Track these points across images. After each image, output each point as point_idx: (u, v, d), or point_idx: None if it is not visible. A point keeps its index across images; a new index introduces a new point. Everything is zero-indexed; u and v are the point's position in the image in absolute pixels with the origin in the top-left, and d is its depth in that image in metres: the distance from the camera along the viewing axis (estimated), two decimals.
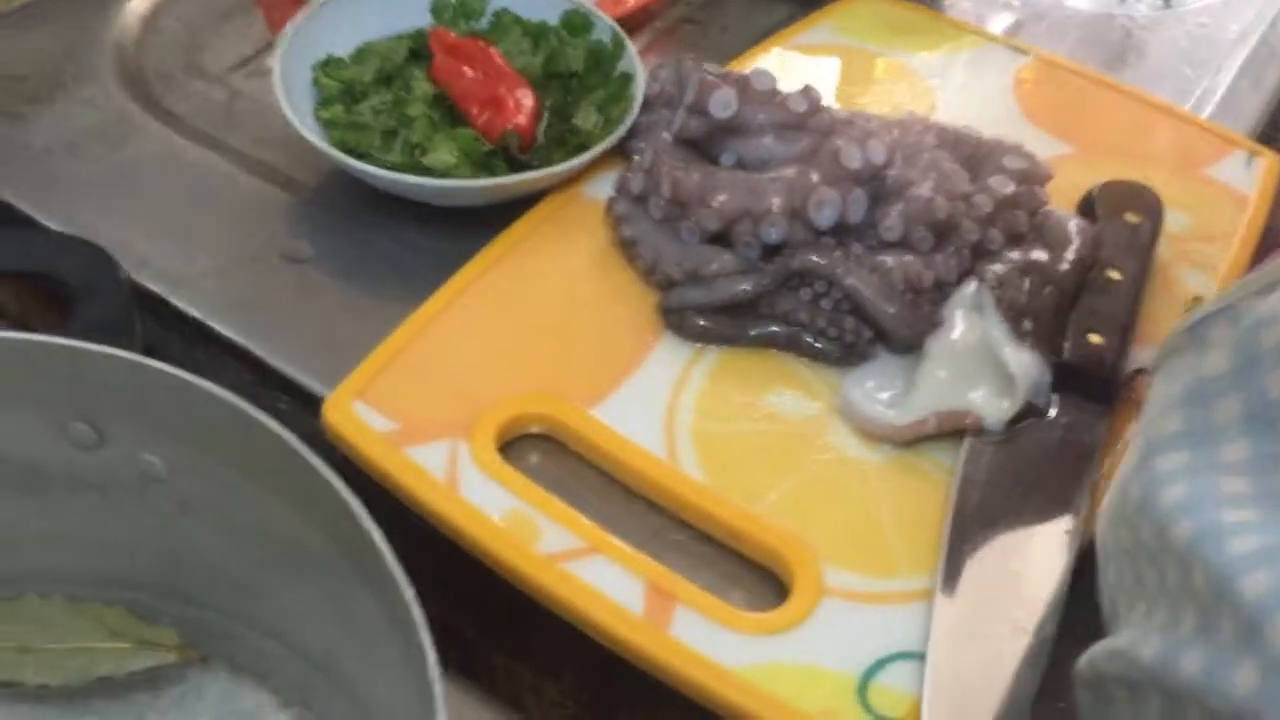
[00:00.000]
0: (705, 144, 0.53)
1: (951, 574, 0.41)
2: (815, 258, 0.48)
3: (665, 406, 0.46)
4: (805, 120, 0.51)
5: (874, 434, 0.45)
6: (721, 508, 0.43)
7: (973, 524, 0.42)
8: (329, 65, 0.56)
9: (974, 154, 0.51)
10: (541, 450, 0.46)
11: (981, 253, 0.48)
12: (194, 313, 0.49)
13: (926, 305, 0.47)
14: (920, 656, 0.39)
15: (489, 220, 0.52)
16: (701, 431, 0.45)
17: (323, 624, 0.33)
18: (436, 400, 0.45)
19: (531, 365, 0.47)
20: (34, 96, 0.58)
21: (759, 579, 0.43)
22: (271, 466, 0.29)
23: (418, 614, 0.27)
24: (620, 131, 0.54)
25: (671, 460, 0.44)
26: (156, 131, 0.57)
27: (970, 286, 0.48)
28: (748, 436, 0.45)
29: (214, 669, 0.36)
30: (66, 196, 0.53)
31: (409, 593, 0.27)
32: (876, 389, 0.46)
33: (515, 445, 0.45)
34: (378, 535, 0.27)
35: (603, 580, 0.41)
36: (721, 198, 0.49)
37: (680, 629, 0.40)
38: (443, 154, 0.53)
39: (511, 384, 0.46)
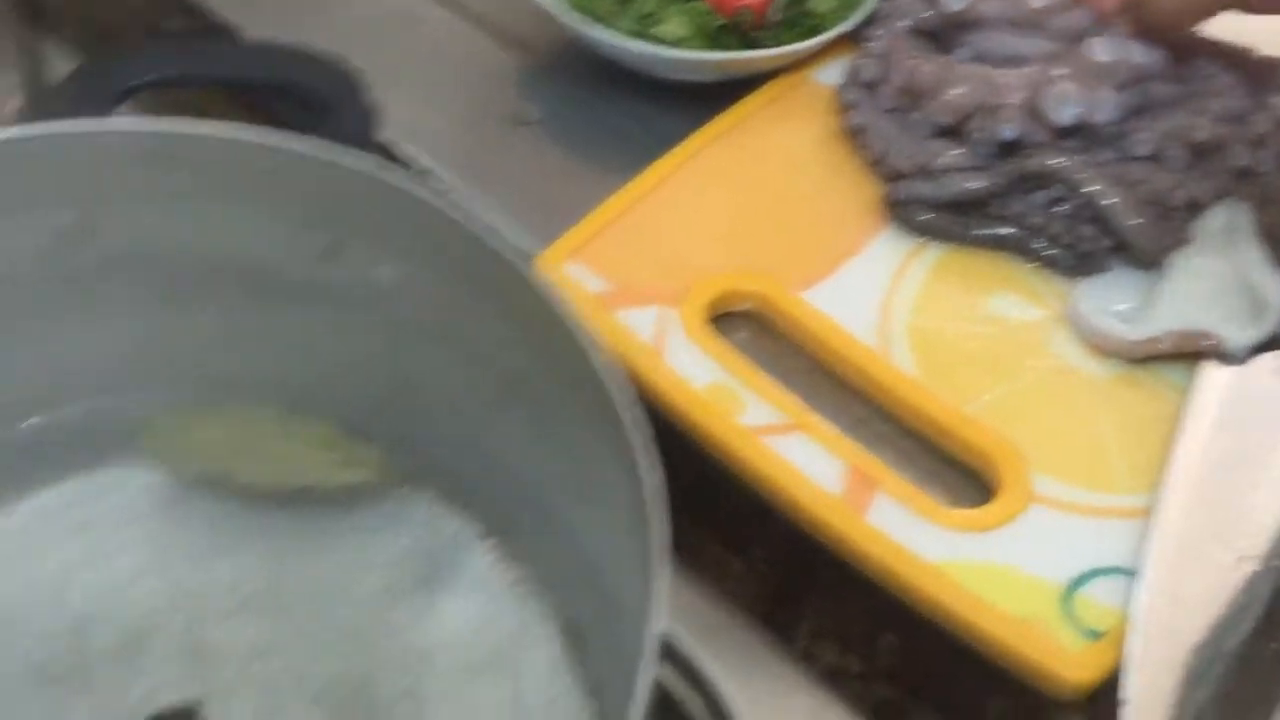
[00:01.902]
0: (942, 38, 0.50)
1: (1175, 496, 0.39)
2: (1056, 160, 0.45)
3: (881, 298, 0.45)
4: (1043, 18, 0.48)
5: (1104, 348, 0.43)
6: (932, 403, 0.42)
7: (1203, 449, 0.40)
8: None
9: (1254, 70, 0.48)
10: (749, 329, 0.45)
11: (1245, 174, 0.45)
12: (423, 162, 0.50)
13: (1176, 221, 0.44)
14: (1131, 574, 0.37)
15: (713, 98, 0.52)
16: (917, 326, 0.44)
17: (537, 458, 0.33)
18: (650, 267, 0.45)
19: (747, 242, 0.46)
20: None
21: (962, 480, 0.41)
22: (506, 294, 0.29)
23: (647, 462, 0.27)
24: (857, 18, 0.52)
25: (883, 351, 0.43)
26: None
27: (1226, 206, 0.45)
28: (965, 337, 0.44)
29: (419, 492, 0.37)
30: (311, 42, 0.54)
31: (641, 438, 0.27)
32: (1110, 302, 0.44)
33: (724, 320, 0.45)
34: (615, 377, 0.27)
35: (803, 458, 0.40)
36: (957, 90, 0.47)
37: (879, 516, 0.39)
38: (674, 26, 0.52)
39: (725, 259, 0.46)
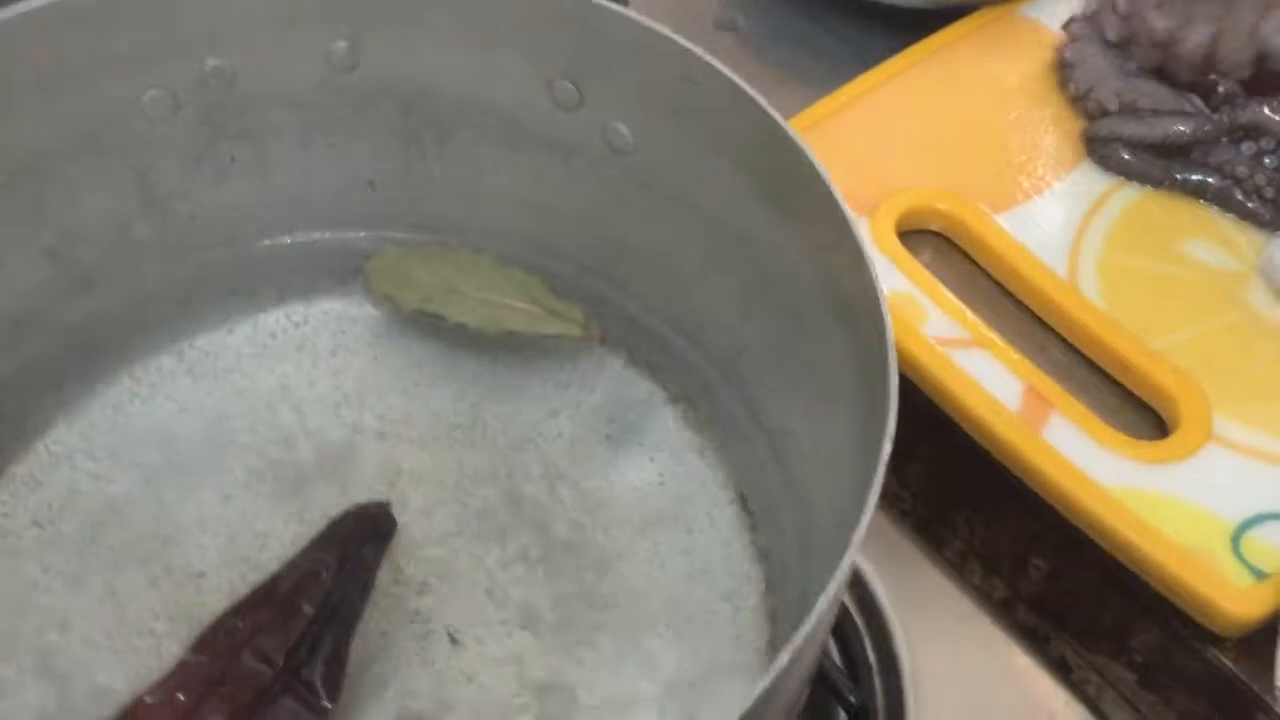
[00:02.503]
0: None
1: None
2: (1269, 111, 0.45)
3: (1075, 229, 0.45)
4: None
5: None
6: (1118, 336, 0.42)
7: None
8: None
9: None
10: (936, 248, 0.46)
11: None
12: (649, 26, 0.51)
13: None
14: None
15: (918, 24, 0.52)
16: (1108, 261, 0.44)
17: (742, 329, 0.34)
18: (845, 174, 0.45)
19: (942, 162, 0.47)
20: None
21: (1140, 417, 0.42)
22: (754, 154, 0.31)
23: (893, 367, 0.27)
24: None
25: (1072, 281, 0.43)
26: None
27: None
28: (1156, 277, 0.44)
29: (614, 354, 0.39)
30: None
31: (889, 335, 0.27)
32: None
33: (913, 237, 0.46)
34: (872, 265, 0.27)
35: (983, 373, 0.41)
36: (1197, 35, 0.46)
37: (1055, 435, 0.39)
38: None
39: (920, 176, 0.46)
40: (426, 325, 0.39)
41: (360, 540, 0.33)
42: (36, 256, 0.34)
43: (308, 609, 0.31)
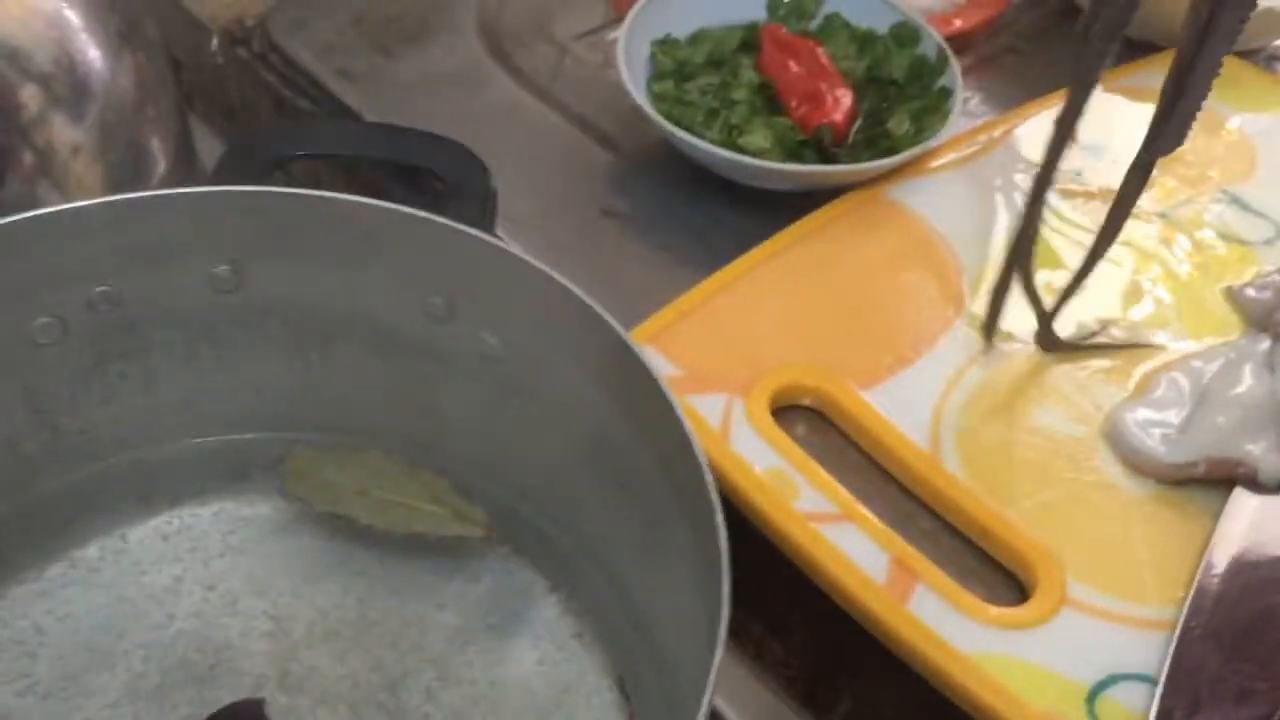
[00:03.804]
0: None
1: (1197, 613, 0.41)
2: None
3: (935, 403, 0.48)
4: None
5: (1140, 467, 0.46)
6: (976, 505, 0.44)
7: (1229, 571, 0.42)
8: (666, 44, 0.61)
9: None
10: (809, 422, 0.48)
11: None
12: (513, 249, 0.54)
13: None
14: (1153, 681, 0.39)
15: (790, 206, 0.55)
16: (966, 432, 0.47)
17: (611, 521, 0.36)
18: (720, 357, 0.48)
19: (813, 341, 0.50)
20: (406, 37, 0.65)
21: (1000, 580, 0.44)
22: (605, 364, 0.33)
23: (723, 544, 0.29)
24: (931, 142, 0.56)
25: (933, 453, 0.46)
26: (503, 83, 0.63)
27: (1264, 343, 0.47)
28: (1011, 445, 0.47)
29: (498, 543, 0.41)
30: (423, 128, 0.59)
31: (719, 520, 0.30)
32: (1150, 423, 0.46)
33: (785, 412, 0.48)
34: (703, 460, 0.30)
35: (851, 546, 0.43)
36: None
37: (919, 606, 0.41)
38: (758, 138, 0.57)
39: (791, 355, 0.49)
40: (316, 520, 0.40)
41: None
42: None
43: None
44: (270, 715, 0.36)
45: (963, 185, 0.57)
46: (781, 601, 0.46)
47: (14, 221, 0.33)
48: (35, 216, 0.34)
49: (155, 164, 0.45)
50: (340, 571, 0.40)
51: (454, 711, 0.37)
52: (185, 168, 0.46)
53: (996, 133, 0.59)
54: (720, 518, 0.29)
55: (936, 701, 0.41)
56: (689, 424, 0.31)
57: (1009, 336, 0.50)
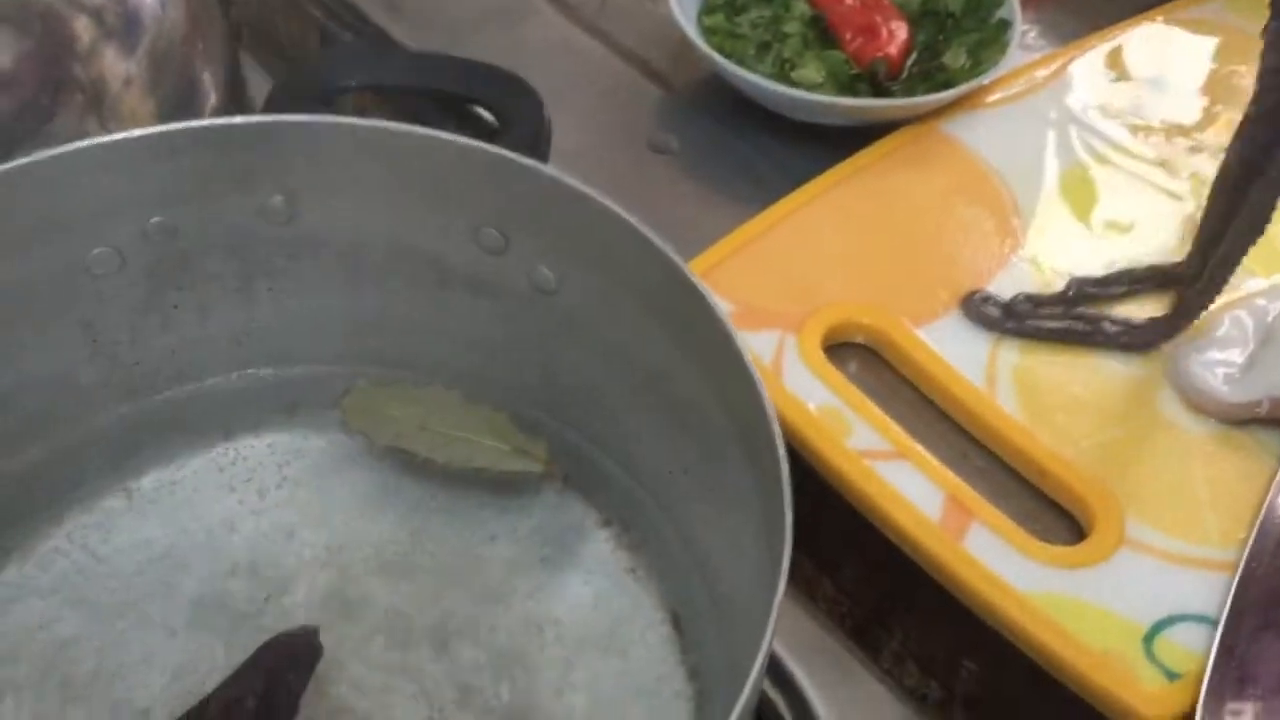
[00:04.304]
0: None
1: (1259, 554, 0.40)
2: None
3: (992, 340, 0.47)
4: None
5: (1202, 407, 0.45)
6: (1033, 444, 0.44)
7: None
8: None
9: None
10: (862, 360, 0.48)
11: None
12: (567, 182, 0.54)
13: None
14: (1213, 622, 0.39)
15: (842, 142, 0.54)
16: (1024, 371, 0.46)
17: (666, 456, 0.36)
18: (773, 293, 0.48)
19: (867, 277, 0.49)
20: None
21: (1057, 519, 0.43)
22: (662, 297, 0.33)
23: (785, 479, 0.29)
24: (987, 76, 0.54)
25: (989, 391, 0.45)
26: (550, 16, 0.62)
27: None
28: (1070, 384, 0.46)
29: (549, 480, 0.41)
30: None
31: (781, 454, 0.29)
32: (1213, 363, 0.45)
33: (838, 350, 0.48)
34: (764, 394, 0.30)
35: (905, 484, 0.42)
36: None
37: (974, 543, 0.41)
38: (811, 71, 0.56)
39: (844, 291, 0.48)
40: (370, 455, 0.40)
41: (285, 666, 0.34)
42: None
43: None
44: (323, 644, 0.36)
45: (1019, 120, 0.55)
46: (833, 540, 0.46)
47: (70, 151, 0.33)
48: (92, 146, 0.34)
49: (206, 97, 0.45)
50: (394, 505, 0.40)
51: (507, 643, 0.38)
52: (235, 101, 0.45)
53: (1054, 67, 0.58)
54: (783, 452, 0.29)
55: (988, 639, 0.41)
56: (750, 357, 0.30)
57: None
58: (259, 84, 0.50)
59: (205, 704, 0.33)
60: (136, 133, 0.34)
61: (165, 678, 0.36)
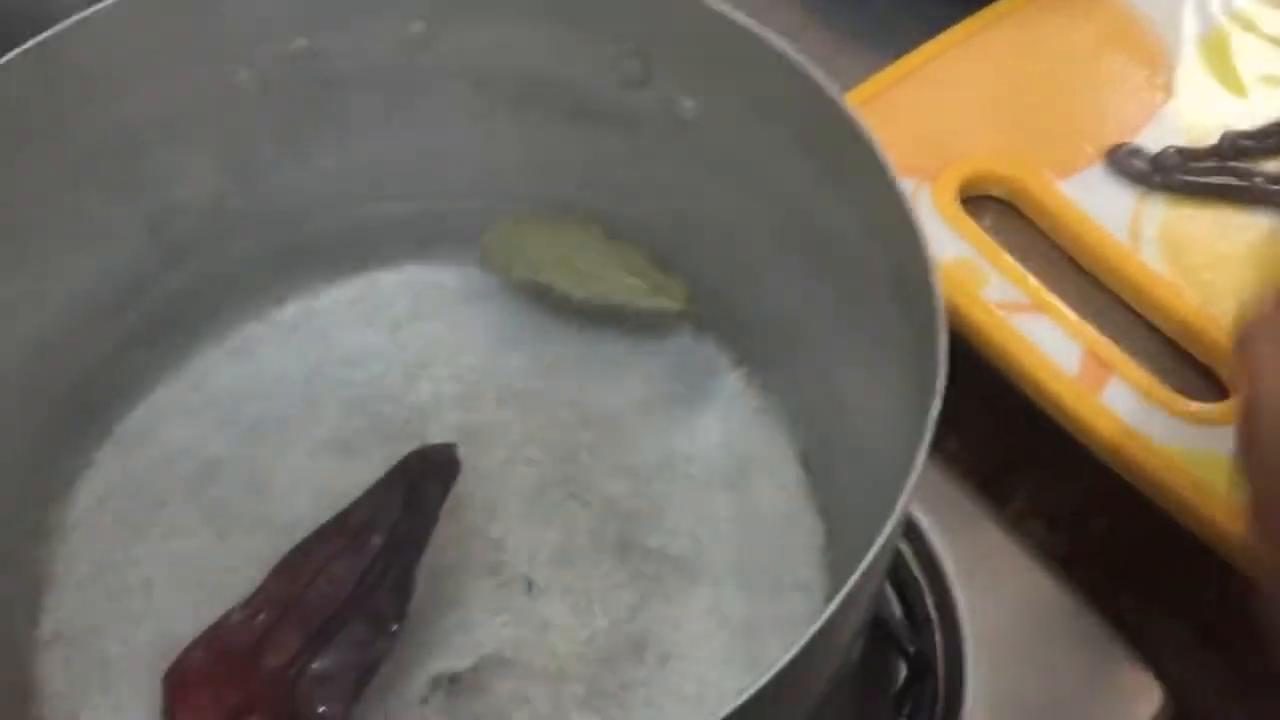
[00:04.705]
0: None
1: None
2: None
3: (1138, 195, 0.45)
4: None
5: None
6: (1177, 301, 0.43)
7: None
8: None
9: None
10: (1000, 213, 0.47)
11: None
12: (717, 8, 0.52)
13: None
14: None
15: None
16: (1172, 227, 0.45)
17: (805, 296, 0.35)
18: (910, 140, 0.47)
19: (1006, 128, 0.47)
20: None
21: (1197, 377, 0.42)
22: (811, 130, 0.32)
23: (941, 318, 0.28)
24: None
25: (1134, 247, 0.44)
26: None
27: None
28: (1218, 243, 0.44)
29: (682, 319, 0.40)
30: None
31: (938, 294, 0.28)
32: None
33: (975, 203, 0.46)
34: (920, 228, 0.29)
35: (1042, 337, 0.42)
36: None
37: (1113, 398, 0.40)
38: None
39: (984, 142, 0.47)
40: (502, 291, 0.41)
41: (425, 478, 0.35)
42: (138, 230, 0.37)
43: (376, 540, 0.34)
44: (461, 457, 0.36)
45: None
46: (962, 393, 0.45)
47: None
48: None
49: None
50: (527, 340, 0.40)
51: (637, 476, 0.38)
52: None
53: None
54: (939, 294, 0.28)
55: (1118, 494, 0.41)
56: (905, 190, 0.29)
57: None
58: None
59: (353, 508, 0.34)
60: None
61: (309, 495, 0.37)
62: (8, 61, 0.32)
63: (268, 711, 0.32)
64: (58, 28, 0.32)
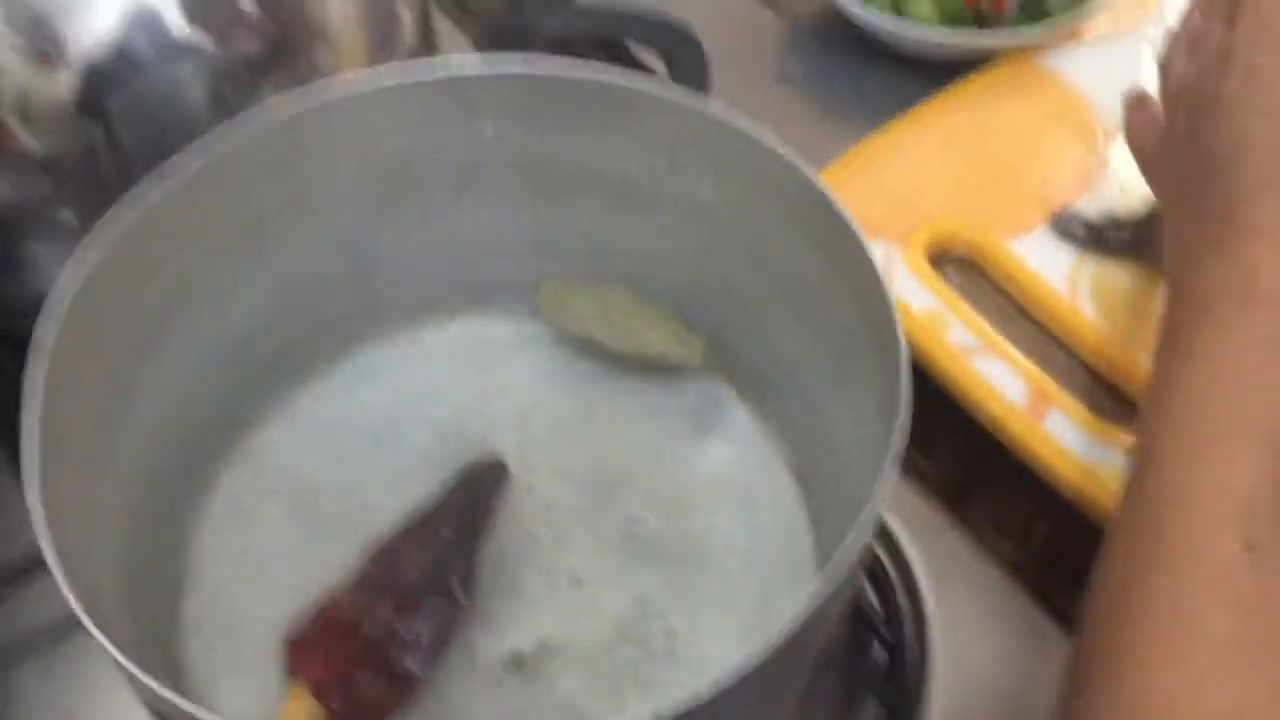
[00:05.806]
0: None
1: None
2: None
3: (1076, 254, 0.54)
4: None
5: None
6: (1107, 343, 0.51)
7: None
8: None
9: None
10: (962, 269, 0.55)
11: None
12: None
13: None
14: None
15: (949, 72, 0.61)
16: (1102, 282, 0.53)
17: (799, 342, 0.44)
18: (884, 207, 0.55)
19: (967, 195, 0.56)
20: None
21: (1121, 408, 0.50)
22: (802, 210, 0.40)
23: (905, 361, 0.36)
24: (1086, 12, 0.60)
25: (1071, 298, 0.53)
26: None
27: None
28: (1139, 296, 0.53)
29: (703, 367, 0.49)
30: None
31: (903, 342, 0.36)
32: None
33: (939, 259, 0.55)
34: (887, 288, 0.37)
35: (995, 375, 0.50)
36: None
37: (1053, 425, 0.49)
38: (924, 8, 0.62)
39: (948, 207, 0.56)
40: (548, 341, 0.49)
41: (481, 482, 0.44)
42: (265, 291, 0.45)
43: (446, 532, 0.42)
44: (515, 489, 0.45)
45: (1115, 55, 0.61)
46: (929, 424, 0.53)
47: (351, 91, 0.42)
48: (370, 88, 0.42)
49: (404, 37, 0.53)
50: (569, 381, 0.49)
51: (661, 492, 0.46)
52: (428, 43, 0.53)
53: (1151, 4, 0.63)
54: (904, 342, 0.36)
55: (1054, 504, 0.48)
56: (878, 254, 0.38)
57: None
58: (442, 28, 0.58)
59: (427, 507, 0.43)
60: (387, 80, 0.42)
61: (393, 506, 0.44)
62: (186, 167, 0.40)
63: (367, 665, 0.39)
64: (208, 139, 0.41)
